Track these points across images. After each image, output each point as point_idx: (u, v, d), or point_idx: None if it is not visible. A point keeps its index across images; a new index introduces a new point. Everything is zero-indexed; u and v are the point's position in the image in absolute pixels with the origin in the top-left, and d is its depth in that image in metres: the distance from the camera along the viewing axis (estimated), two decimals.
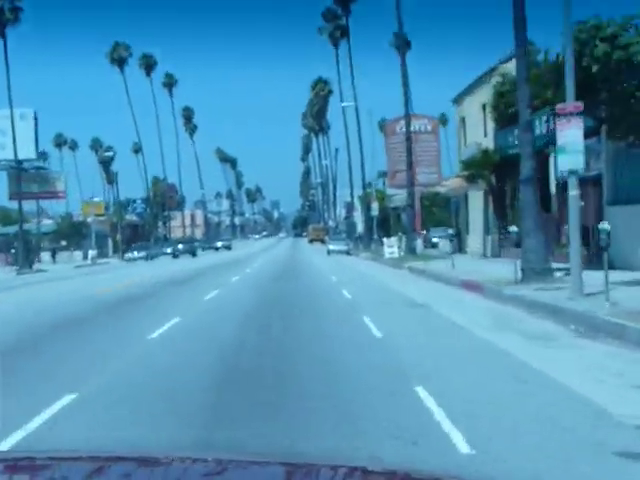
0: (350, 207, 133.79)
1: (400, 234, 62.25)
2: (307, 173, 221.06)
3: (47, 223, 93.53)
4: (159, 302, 22.98)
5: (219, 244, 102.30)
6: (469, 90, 46.12)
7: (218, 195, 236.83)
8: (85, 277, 43.82)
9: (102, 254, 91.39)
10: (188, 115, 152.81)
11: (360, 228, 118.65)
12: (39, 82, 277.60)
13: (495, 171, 40.41)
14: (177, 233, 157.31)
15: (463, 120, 48.08)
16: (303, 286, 27.23)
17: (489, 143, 41.58)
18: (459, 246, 48.62)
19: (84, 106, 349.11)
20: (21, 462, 2.69)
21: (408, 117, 52.08)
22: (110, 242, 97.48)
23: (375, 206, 58.06)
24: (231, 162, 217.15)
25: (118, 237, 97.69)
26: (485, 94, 42.47)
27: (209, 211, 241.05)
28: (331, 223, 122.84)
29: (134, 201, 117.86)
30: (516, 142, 36.92)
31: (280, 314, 18.20)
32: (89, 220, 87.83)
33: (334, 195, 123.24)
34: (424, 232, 67.87)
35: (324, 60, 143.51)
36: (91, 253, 74.67)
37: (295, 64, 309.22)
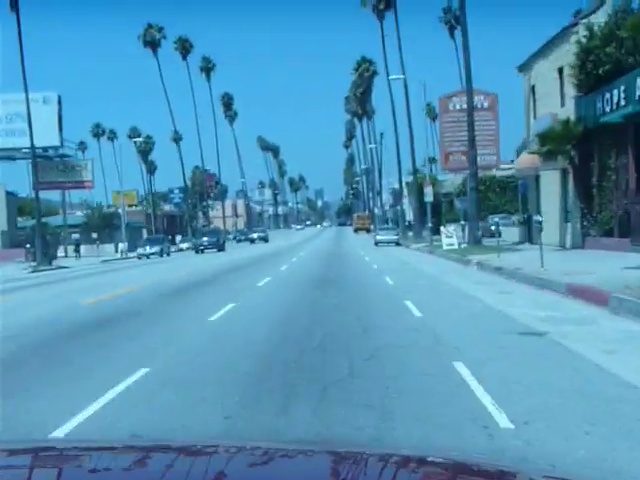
0: (397, 194, 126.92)
1: (460, 222, 55.74)
2: (351, 160, 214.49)
3: (77, 215, 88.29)
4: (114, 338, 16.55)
5: (255, 235, 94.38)
6: (541, 53, 39.13)
7: (261, 184, 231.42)
8: (95, 277, 37.89)
9: (135, 247, 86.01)
10: (227, 102, 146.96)
11: (408, 216, 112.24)
12: (73, 70, 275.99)
13: (578, 145, 33.49)
14: (218, 223, 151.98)
15: (532, 89, 41.10)
16: (350, 300, 18.35)
17: (567, 113, 34.67)
18: (528, 235, 41.73)
19: (121, 94, 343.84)
20: (41, 451, 2.71)
21: (470, 90, 45.39)
22: (145, 234, 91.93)
23: (429, 191, 51.32)
24: (273, 150, 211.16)
25: (153, 229, 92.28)
26: (563, 56, 35.51)
27: (252, 201, 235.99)
28: (377, 211, 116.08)
29: (172, 191, 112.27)
30: (608, 109, 30.22)
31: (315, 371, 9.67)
32: (120, 211, 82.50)
33: (380, 182, 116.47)
34: (485, 220, 60.94)
35: (368, 39, 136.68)
36: (121, 246, 69.10)
37: (337, 44, 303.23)
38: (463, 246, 38.69)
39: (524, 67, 42.27)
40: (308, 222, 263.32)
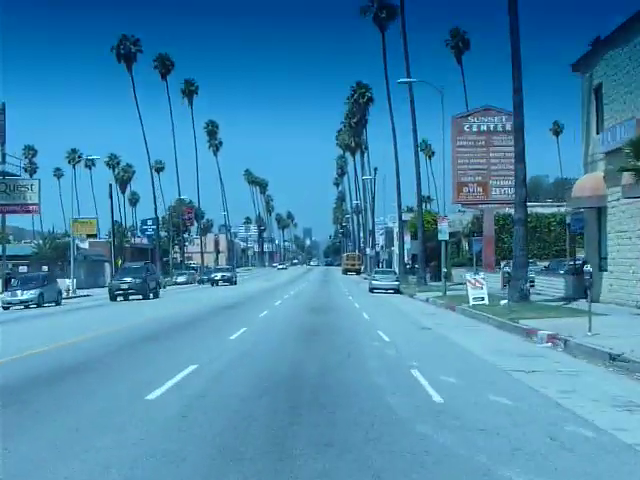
0: (390, 235, 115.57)
1: (476, 268, 44.68)
2: (341, 198, 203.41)
3: (25, 245, 76.31)
4: None
5: (217, 276, 76.07)
6: (612, 42, 27.99)
7: (247, 220, 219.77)
8: None
9: (94, 283, 74.01)
10: (212, 130, 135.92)
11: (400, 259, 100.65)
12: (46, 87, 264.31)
13: None
14: (197, 259, 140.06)
15: (597, 90, 29.87)
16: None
17: None
18: (576, 289, 30.18)
19: (98, 119, 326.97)
20: None
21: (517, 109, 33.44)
22: (108, 268, 79.84)
23: (445, 227, 39.69)
24: (260, 185, 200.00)
25: (120, 262, 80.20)
26: None
27: (238, 237, 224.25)
28: (369, 252, 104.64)
29: (145, 222, 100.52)
30: None
31: None
32: (78, 242, 70.76)
33: (372, 220, 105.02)
34: (503, 267, 49.51)
35: (364, 62, 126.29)
36: (67, 283, 57.18)
37: (332, 69, 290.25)
38: (503, 303, 27.09)
39: (583, 62, 31.02)
40: (295, 261, 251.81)
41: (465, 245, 63.31)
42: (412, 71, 55.37)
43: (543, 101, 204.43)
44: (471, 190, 50.82)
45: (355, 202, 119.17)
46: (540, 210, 63.24)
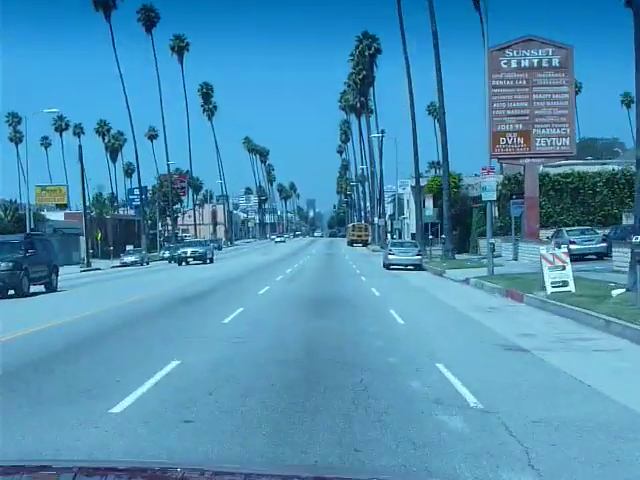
0: (400, 202, 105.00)
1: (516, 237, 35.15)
2: (345, 167, 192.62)
3: None
4: None
5: (187, 252, 56.10)
6: None
7: (248, 191, 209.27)
8: None
9: (67, 260, 63.77)
10: (206, 92, 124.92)
11: (412, 228, 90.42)
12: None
13: None
14: (193, 232, 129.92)
15: None
16: None
17: None
18: None
19: (86, 83, 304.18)
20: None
21: None
22: (83, 243, 69.62)
23: (491, 183, 28.76)
24: (261, 154, 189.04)
25: (100, 236, 70.06)
26: None
27: (241, 209, 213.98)
28: (377, 221, 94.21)
29: (131, 192, 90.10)
30: None
31: None
32: (47, 213, 60.63)
33: (381, 186, 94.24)
34: (555, 236, 39.14)
35: (368, 21, 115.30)
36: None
37: (334, 34, 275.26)
38: (617, 293, 16.78)
39: None
40: (298, 232, 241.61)
41: (494, 211, 52.86)
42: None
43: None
44: (510, 141, 40.57)
45: (361, 167, 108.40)
46: (582, 168, 52.65)
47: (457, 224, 57.15)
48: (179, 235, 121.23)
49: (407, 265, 39.84)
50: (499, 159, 41.42)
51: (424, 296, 23.30)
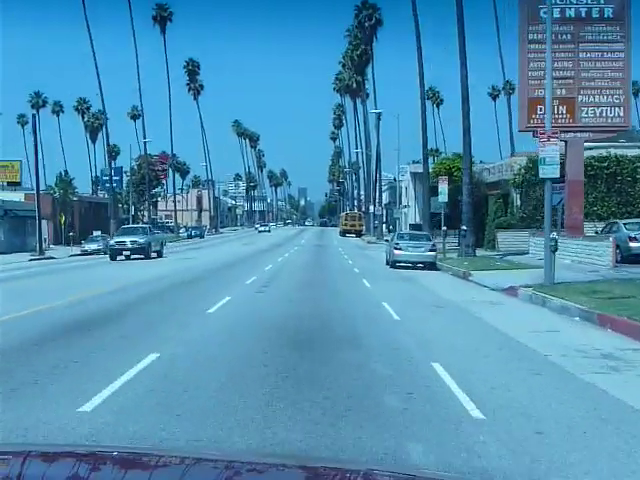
0: (398, 190, 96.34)
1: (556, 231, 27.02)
2: (338, 154, 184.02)
3: None
4: None
5: (125, 243, 40.96)
6: None
7: (237, 177, 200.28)
8: None
9: (20, 245, 55.10)
10: (192, 69, 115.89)
11: (413, 218, 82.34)
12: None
13: None
14: (179, 218, 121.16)
15: None
16: None
17: None
18: None
19: (66, 59, 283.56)
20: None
21: None
22: (46, 228, 60.76)
23: (554, 155, 20.16)
24: (251, 138, 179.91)
25: (63, 220, 61.37)
26: None
27: (230, 196, 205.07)
28: (373, 210, 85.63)
29: (104, 173, 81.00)
30: None
31: None
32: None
33: (378, 171, 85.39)
34: (608, 230, 30.76)
35: None
36: None
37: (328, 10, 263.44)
38: None
39: None
40: (289, 221, 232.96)
41: (516, 199, 44.45)
42: None
43: None
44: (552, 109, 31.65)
45: (356, 151, 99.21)
46: (619, 152, 44.19)
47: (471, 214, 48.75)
48: (159, 221, 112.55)
49: (417, 262, 31.40)
50: (534, 133, 32.80)
51: (472, 323, 14.70)
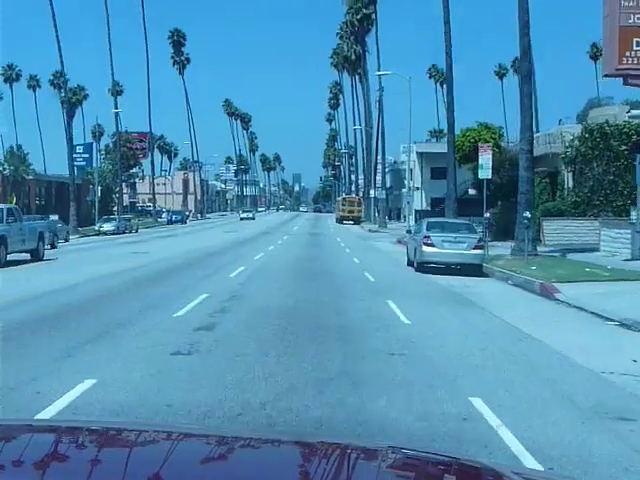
0: (401, 173, 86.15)
1: None
2: (333, 137, 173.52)
3: None
4: None
5: None
6: None
7: (228, 160, 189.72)
8: None
9: None
10: (177, 41, 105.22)
11: (420, 204, 72.74)
12: None
13: None
14: (162, 201, 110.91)
15: None
16: None
17: None
18: None
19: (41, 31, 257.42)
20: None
21: None
22: None
23: None
24: (242, 119, 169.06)
25: (14, 201, 50.88)
26: None
27: (222, 180, 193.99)
28: (375, 194, 75.44)
29: (74, 149, 70.44)
30: None
31: None
32: None
33: (381, 148, 74.68)
34: None
35: None
36: None
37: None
38: None
39: None
40: (282, 206, 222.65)
41: (567, 179, 34.33)
42: None
43: None
44: None
45: (354, 128, 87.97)
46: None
47: (498, 198, 38.72)
48: (139, 205, 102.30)
49: (457, 263, 21.36)
50: (629, 75, 22.51)
51: None
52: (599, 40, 42.03)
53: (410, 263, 23.37)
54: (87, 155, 70.80)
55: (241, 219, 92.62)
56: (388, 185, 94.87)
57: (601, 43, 27.44)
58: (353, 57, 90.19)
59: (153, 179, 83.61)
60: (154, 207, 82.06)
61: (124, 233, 57.94)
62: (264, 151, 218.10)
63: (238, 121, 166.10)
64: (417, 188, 65.08)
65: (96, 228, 57.25)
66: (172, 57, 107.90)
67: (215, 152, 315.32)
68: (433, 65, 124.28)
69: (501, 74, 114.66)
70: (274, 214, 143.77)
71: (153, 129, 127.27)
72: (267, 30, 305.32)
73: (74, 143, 73.49)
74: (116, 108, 75.04)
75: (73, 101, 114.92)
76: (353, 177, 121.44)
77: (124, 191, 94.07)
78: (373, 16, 75.53)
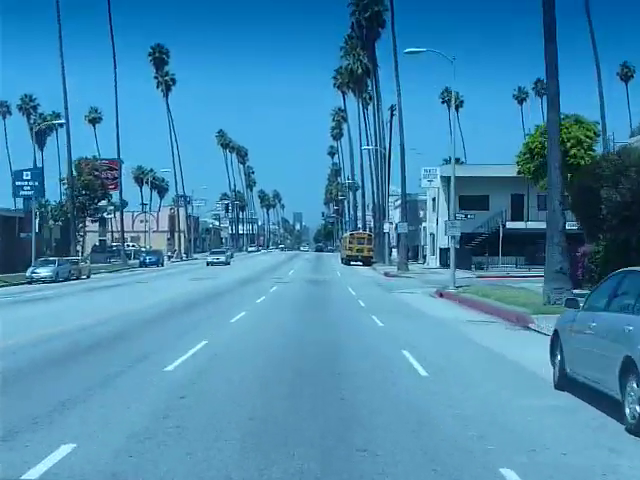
0: (417, 205, 71.34)
1: None
2: (336, 172, 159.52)
3: None
4: None
5: None
6: None
7: (224, 197, 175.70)
8: None
9: None
10: (160, 57, 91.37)
11: (440, 240, 59.34)
12: None
13: None
14: (144, 241, 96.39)
15: None
16: None
17: None
18: None
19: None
20: None
21: None
22: None
23: None
24: (238, 151, 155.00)
25: None
26: None
27: (220, 218, 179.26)
28: (388, 229, 60.80)
29: (19, 176, 55.58)
30: None
31: None
32: None
33: (402, 173, 58.96)
34: None
35: None
36: None
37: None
38: None
39: None
40: (282, 245, 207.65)
41: None
42: None
43: None
44: None
45: (365, 148, 72.43)
46: None
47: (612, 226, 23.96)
48: (113, 245, 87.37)
49: None
50: None
51: None
52: None
53: (557, 376, 8.74)
54: (36, 183, 55.79)
55: (208, 263, 66.02)
56: (401, 220, 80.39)
57: None
58: (360, 71, 76.46)
59: (122, 212, 68.83)
60: (123, 246, 67.18)
61: (68, 280, 43.40)
62: (262, 187, 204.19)
63: (234, 154, 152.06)
64: (459, 218, 50.22)
65: (27, 274, 42.69)
66: (155, 77, 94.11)
67: (210, 188, 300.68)
68: (446, 89, 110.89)
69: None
70: (270, 254, 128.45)
71: (143, 162, 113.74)
72: (264, 64, 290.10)
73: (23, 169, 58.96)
74: (67, 129, 60.40)
75: (44, 128, 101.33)
76: (359, 213, 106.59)
77: (92, 228, 79.56)
78: (385, 17, 61.56)
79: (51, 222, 64.53)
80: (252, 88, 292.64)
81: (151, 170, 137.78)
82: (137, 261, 69.51)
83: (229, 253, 79.35)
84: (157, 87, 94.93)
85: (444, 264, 55.60)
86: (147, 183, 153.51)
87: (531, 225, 52.09)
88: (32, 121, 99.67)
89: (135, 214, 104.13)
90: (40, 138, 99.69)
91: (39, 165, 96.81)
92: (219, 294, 28.51)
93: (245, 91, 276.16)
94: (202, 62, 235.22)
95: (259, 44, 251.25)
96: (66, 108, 58.65)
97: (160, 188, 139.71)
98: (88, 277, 48.09)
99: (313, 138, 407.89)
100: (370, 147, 67.32)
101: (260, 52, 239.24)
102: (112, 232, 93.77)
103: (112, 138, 74.19)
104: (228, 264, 65.24)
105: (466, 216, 39.75)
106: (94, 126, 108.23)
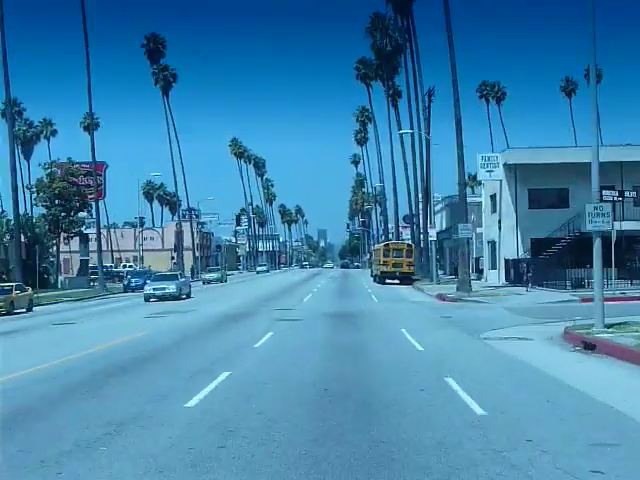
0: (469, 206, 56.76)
1: None
2: (360, 182, 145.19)
3: None
4: None
5: None
6: None
7: (242, 212, 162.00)
8: None
9: None
10: (155, 48, 77.93)
11: (515, 249, 43.92)
12: None
13: None
14: (150, 261, 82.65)
15: None
16: None
17: None
18: None
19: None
20: None
21: None
22: None
23: None
24: (255, 163, 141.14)
25: None
26: None
27: (239, 235, 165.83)
28: (433, 235, 46.13)
29: None
30: None
31: None
32: None
33: (461, 168, 43.33)
34: None
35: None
36: None
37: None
38: None
39: None
40: (305, 263, 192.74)
41: None
42: None
43: None
44: None
45: (401, 132, 57.14)
46: None
47: None
48: (109, 267, 73.34)
49: None
50: None
51: None
52: None
53: None
54: None
55: (146, 301, 37.81)
56: (444, 227, 65.78)
57: None
58: (389, 48, 62.20)
59: (98, 227, 54.51)
60: (100, 266, 52.88)
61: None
62: (283, 202, 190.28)
63: (250, 165, 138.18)
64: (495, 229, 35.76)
65: None
66: (153, 72, 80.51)
67: (227, 204, 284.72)
68: (484, 81, 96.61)
69: None
70: (285, 273, 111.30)
71: (152, 177, 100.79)
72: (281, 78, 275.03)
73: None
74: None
75: (29, 135, 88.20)
76: (390, 225, 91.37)
77: (72, 248, 65.76)
78: None
79: (6, 238, 50.66)
80: (265, 94, 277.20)
81: (161, 185, 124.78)
82: (133, 283, 54.63)
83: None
84: (156, 84, 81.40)
85: (512, 281, 40.94)
86: (157, 198, 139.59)
87: (627, 226, 37.44)
88: (16, 128, 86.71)
89: (137, 230, 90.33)
90: (26, 147, 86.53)
91: (24, 175, 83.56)
92: (192, 336, 14.32)
93: (259, 98, 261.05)
94: (219, 73, 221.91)
95: (273, 47, 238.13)
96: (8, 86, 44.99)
97: (172, 204, 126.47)
98: (29, 310, 34.10)
99: (336, 153, 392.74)
100: (410, 131, 52.43)
101: (273, 54, 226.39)
102: (111, 251, 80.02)
103: (111, 145, 60.35)
104: (188, 297, 40.11)
105: (623, 195, 24.61)
106: (89, 132, 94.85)
